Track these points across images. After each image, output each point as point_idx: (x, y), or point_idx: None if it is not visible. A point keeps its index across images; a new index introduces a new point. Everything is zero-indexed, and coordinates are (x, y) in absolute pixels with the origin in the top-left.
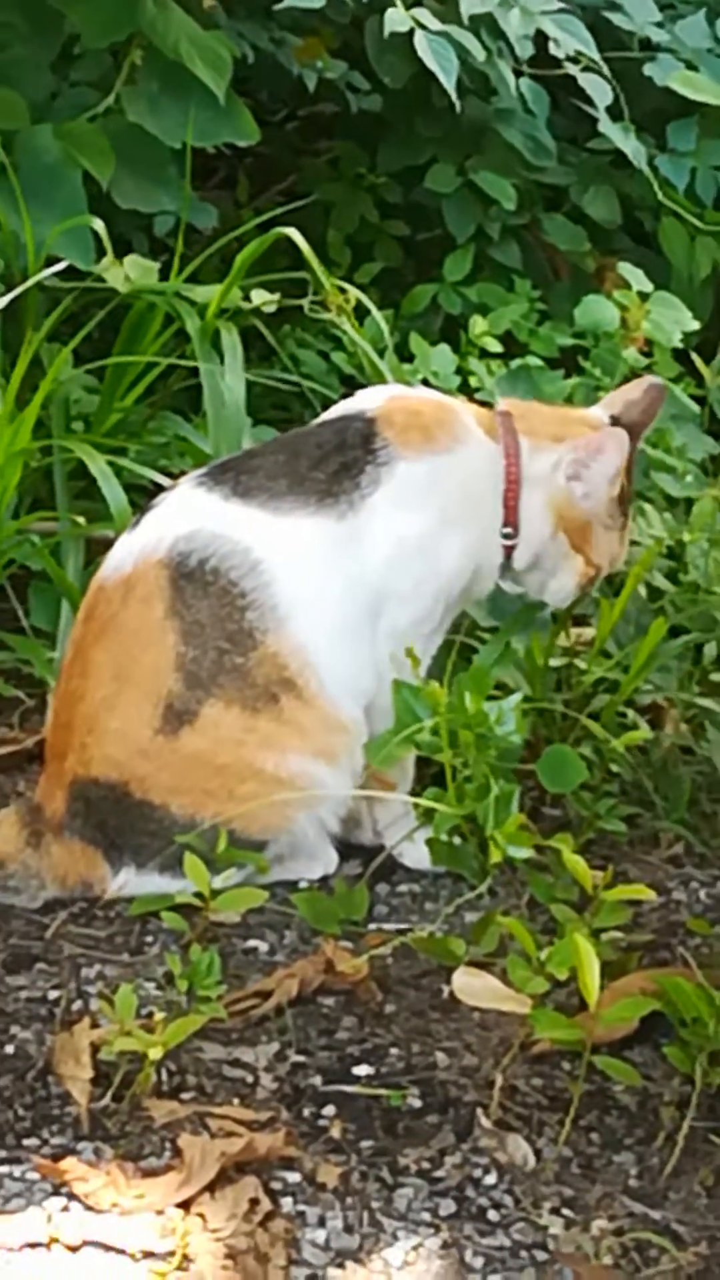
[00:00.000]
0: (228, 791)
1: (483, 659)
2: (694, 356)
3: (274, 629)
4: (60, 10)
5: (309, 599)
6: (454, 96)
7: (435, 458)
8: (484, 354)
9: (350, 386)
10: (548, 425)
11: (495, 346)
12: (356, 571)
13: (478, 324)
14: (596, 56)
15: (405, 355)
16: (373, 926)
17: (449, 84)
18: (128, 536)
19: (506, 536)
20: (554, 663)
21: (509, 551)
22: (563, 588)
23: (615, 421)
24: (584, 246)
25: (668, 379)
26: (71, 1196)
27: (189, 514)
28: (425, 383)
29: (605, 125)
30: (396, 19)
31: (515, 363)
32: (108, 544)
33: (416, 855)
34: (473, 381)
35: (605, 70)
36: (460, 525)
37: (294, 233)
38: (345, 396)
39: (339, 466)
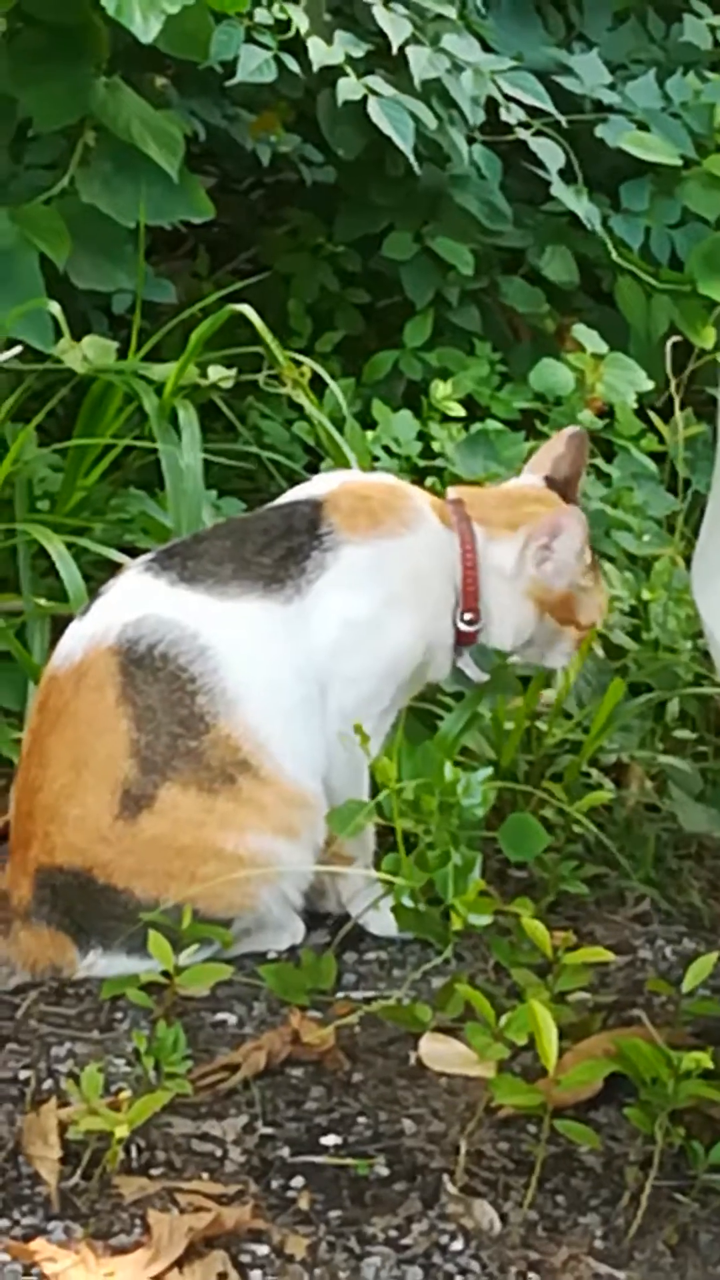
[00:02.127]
0: (189, 873)
1: (450, 726)
2: (652, 415)
3: (225, 712)
4: (12, 95)
5: (259, 682)
6: (412, 159)
7: (381, 541)
8: (446, 418)
9: (314, 457)
10: (499, 512)
11: (457, 411)
12: (305, 654)
13: (439, 389)
14: (552, 110)
15: (368, 422)
16: (341, 995)
17: (406, 147)
18: (77, 624)
19: (469, 622)
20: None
21: (472, 637)
22: (561, 653)
23: (550, 482)
24: (543, 308)
25: (629, 438)
26: (42, 1277)
27: (137, 600)
28: (387, 450)
29: (558, 188)
30: (349, 88)
31: (475, 427)
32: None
33: (383, 923)
34: (435, 446)
35: (558, 132)
36: (408, 608)
37: (247, 309)
38: (309, 466)
39: (285, 552)
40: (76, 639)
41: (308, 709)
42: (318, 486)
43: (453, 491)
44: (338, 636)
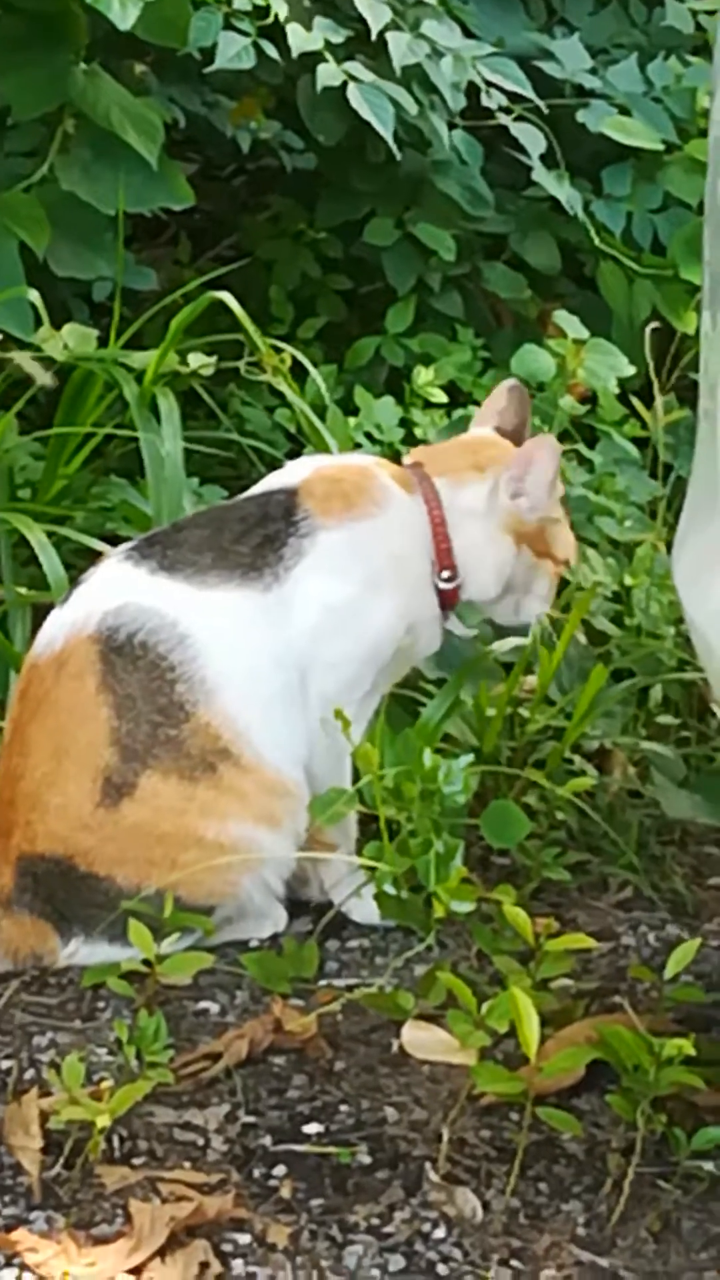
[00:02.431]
0: (170, 860)
1: (431, 712)
2: (634, 400)
3: (204, 701)
4: None
5: (238, 671)
6: (392, 145)
7: (356, 524)
8: (428, 405)
9: (296, 444)
10: (461, 459)
11: (439, 397)
12: (284, 642)
13: (421, 375)
14: (532, 95)
15: (350, 409)
16: (323, 983)
17: (386, 133)
18: (57, 612)
19: (448, 580)
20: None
21: (454, 595)
22: (539, 597)
23: (500, 433)
24: (525, 294)
25: (611, 423)
26: (24, 1267)
27: (117, 588)
28: (369, 436)
29: (539, 174)
30: (328, 74)
31: (456, 413)
32: None
33: (365, 910)
34: (417, 432)
35: (539, 117)
36: (387, 589)
37: (227, 296)
38: (291, 454)
39: (261, 539)
40: (57, 627)
41: (288, 697)
42: (291, 473)
43: (410, 456)
44: (318, 621)
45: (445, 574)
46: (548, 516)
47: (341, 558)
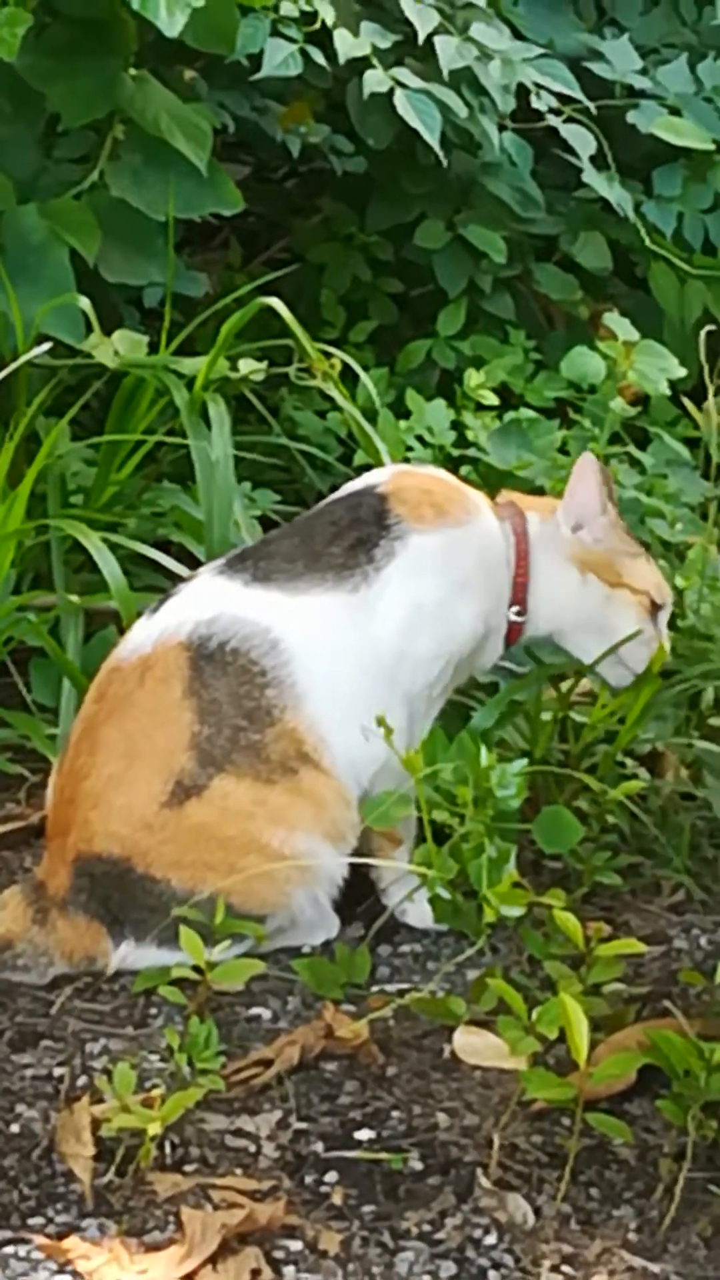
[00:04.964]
0: (228, 865)
1: (484, 717)
2: (686, 402)
3: (292, 705)
4: (40, 90)
5: (324, 673)
6: (439, 152)
7: (449, 530)
8: (480, 407)
9: (347, 448)
10: (539, 504)
11: (491, 399)
12: (369, 642)
13: (473, 377)
14: (581, 97)
15: (401, 412)
16: (375, 988)
17: (432, 140)
18: (146, 620)
19: (518, 614)
20: (549, 715)
21: (518, 629)
22: (626, 632)
23: None
24: (576, 295)
25: (663, 425)
26: (76, 1275)
27: (210, 600)
28: (420, 439)
29: (590, 175)
30: (375, 80)
31: (508, 416)
32: (106, 617)
33: (419, 914)
34: (469, 435)
35: (589, 118)
36: (473, 592)
37: (276, 302)
38: (343, 458)
39: (354, 541)
40: (145, 634)
41: (368, 701)
42: (375, 478)
43: (503, 496)
44: (408, 618)
45: (515, 608)
46: (614, 546)
47: (432, 559)
